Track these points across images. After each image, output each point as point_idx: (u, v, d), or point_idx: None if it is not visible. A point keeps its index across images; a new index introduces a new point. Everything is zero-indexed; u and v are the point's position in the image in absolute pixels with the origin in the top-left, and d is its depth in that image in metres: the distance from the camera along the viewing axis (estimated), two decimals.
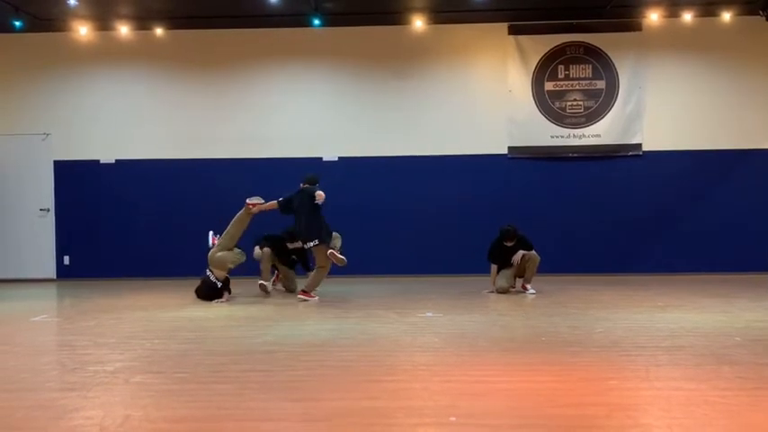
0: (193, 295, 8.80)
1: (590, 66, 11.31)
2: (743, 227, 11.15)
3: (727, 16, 10.96)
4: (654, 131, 11.27)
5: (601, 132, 11.27)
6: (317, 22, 10.83)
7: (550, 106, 11.31)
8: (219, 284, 8.62)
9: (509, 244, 9.02)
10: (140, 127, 11.53)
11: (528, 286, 9.14)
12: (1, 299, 9.47)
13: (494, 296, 8.90)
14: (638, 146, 11.28)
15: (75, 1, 9.96)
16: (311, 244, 8.54)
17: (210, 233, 8.97)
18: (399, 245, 11.24)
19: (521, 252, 9.00)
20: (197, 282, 8.85)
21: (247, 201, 8.90)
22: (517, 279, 9.26)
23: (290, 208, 8.71)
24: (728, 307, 7.69)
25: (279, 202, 8.77)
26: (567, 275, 10.69)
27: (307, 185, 8.81)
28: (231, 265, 8.74)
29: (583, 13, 11.04)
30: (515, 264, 9.06)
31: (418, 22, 11.18)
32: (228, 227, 8.86)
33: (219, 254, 8.68)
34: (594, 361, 5.10)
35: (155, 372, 4.95)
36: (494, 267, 9.18)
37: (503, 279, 9.08)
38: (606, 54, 11.28)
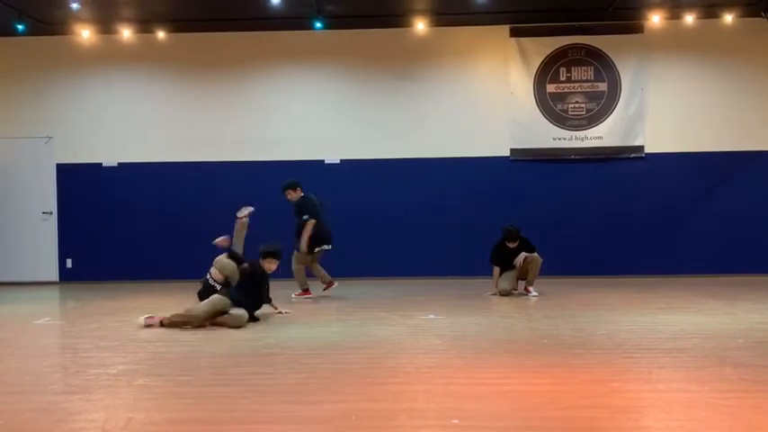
0: (195, 298, 8.79)
1: (592, 68, 11.31)
2: (746, 228, 11.14)
3: (728, 18, 10.95)
4: (656, 133, 11.26)
5: (603, 134, 11.27)
6: (318, 24, 10.84)
7: (552, 108, 11.31)
8: (218, 287, 8.52)
9: (512, 245, 9.02)
10: (143, 130, 11.55)
11: (530, 288, 9.13)
12: (4, 302, 9.48)
13: (496, 298, 8.89)
14: (641, 148, 11.28)
15: (77, 4, 9.99)
16: (328, 247, 9.00)
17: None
18: (401, 247, 11.24)
19: (523, 254, 9.00)
20: (199, 285, 8.84)
21: (237, 215, 8.64)
22: (519, 281, 9.25)
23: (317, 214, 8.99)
24: (732, 309, 7.68)
25: (306, 219, 8.90)
26: (570, 278, 10.69)
27: (307, 196, 9.11)
28: (228, 273, 8.56)
29: (584, 15, 11.04)
30: (518, 266, 9.05)
31: (420, 25, 11.19)
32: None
33: (226, 260, 8.50)
34: (597, 363, 5.10)
35: (157, 374, 4.95)
36: (496, 269, 9.17)
37: (505, 281, 9.07)
38: (608, 56, 11.28)
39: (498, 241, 9.16)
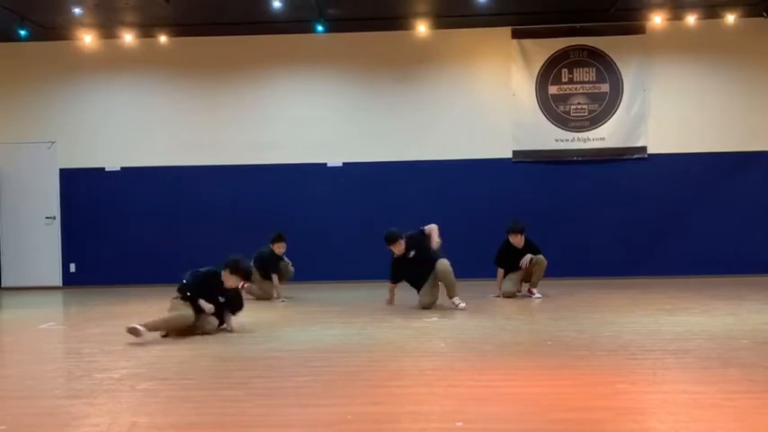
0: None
1: (594, 69, 11.30)
2: (749, 228, 11.12)
3: (730, 18, 10.95)
4: (658, 134, 11.25)
5: (605, 135, 11.27)
6: (320, 28, 10.85)
7: (554, 110, 11.30)
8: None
9: (517, 242, 8.97)
10: (145, 134, 11.57)
11: (534, 290, 9.10)
12: (7, 306, 9.49)
13: (500, 300, 8.87)
14: (643, 149, 11.27)
15: (80, 9, 10.00)
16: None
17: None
18: None
19: (528, 256, 8.98)
20: None
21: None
22: (523, 283, 9.24)
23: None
24: (736, 309, 7.65)
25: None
26: (574, 279, 10.67)
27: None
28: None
29: (586, 16, 11.04)
30: (523, 267, 9.03)
31: (422, 27, 11.19)
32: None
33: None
34: (601, 365, 5.08)
35: (161, 378, 4.95)
36: (500, 271, 9.15)
37: (509, 283, 9.05)
38: (610, 57, 11.27)
39: (503, 243, 9.14)
